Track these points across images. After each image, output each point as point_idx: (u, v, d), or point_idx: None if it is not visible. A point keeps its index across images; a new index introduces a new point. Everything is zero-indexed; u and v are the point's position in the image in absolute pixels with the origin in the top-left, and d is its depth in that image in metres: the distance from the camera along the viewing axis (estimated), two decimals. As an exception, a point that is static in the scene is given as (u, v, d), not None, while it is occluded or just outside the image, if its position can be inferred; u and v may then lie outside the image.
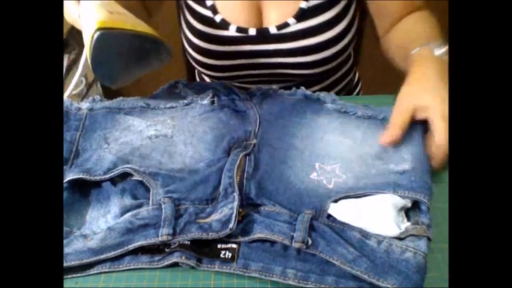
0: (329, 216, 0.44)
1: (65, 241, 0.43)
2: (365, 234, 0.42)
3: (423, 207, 0.44)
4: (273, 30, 0.66)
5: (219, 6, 0.67)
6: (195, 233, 0.42)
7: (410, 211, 0.45)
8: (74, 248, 0.42)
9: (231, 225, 0.42)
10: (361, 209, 0.44)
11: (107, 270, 0.42)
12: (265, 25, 0.68)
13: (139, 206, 0.46)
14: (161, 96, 0.62)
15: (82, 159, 0.51)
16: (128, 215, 0.44)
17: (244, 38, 0.67)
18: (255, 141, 0.54)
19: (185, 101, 0.60)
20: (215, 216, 0.43)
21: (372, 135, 0.54)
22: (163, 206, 0.44)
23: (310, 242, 0.41)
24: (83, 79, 1.50)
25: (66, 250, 0.42)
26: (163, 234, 0.42)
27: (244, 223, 0.43)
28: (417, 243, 0.41)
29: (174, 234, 0.42)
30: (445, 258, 0.42)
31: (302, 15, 0.65)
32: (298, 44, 0.66)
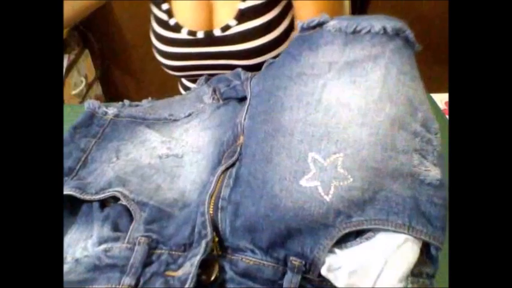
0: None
1: None
2: None
3: (433, 252, 0.34)
4: (217, 32, 0.70)
5: (174, 10, 0.72)
6: None
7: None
8: None
9: (186, 287, 0.34)
10: (361, 280, 0.33)
11: None
12: (213, 28, 0.71)
13: (117, 239, 0.41)
14: (187, 99, 0.59)
15: (87, 171, 0.48)
16: (99, 249, 0.40)
17: (193, 41, 0.71)
18: (241, 138, 0.44)
19: (200, 106, 0.56)
20: (181, 271, 0.37)
21: (400, 72, 0.39)
22: (136, 248, 0.39)
23: None
24: (83, 79, 1.50)
25: None
26: (124, 283, 0.37)
27: (220, 283, 0.36)
28: None
29: (136, 285, 0.37)
30: (445, 258, 0.42)
31: (241, 16, 0.68)
32: (240, 46, 0.69)
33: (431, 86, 0.70)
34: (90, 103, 0.57)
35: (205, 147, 0.49)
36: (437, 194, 0.35)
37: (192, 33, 0.70)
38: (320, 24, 0.44)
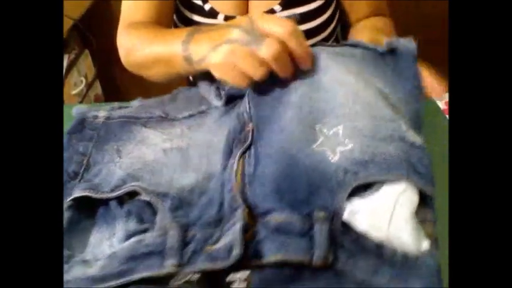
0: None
1: (65, 266, 0.40)
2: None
3: (429, 201, 0.41)
4: None
5: None
6: (203, 263, 0.37)
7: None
8: (73, 275, 0.39)
9: (234, 253, 0.36)
10: (378, 219, 0.39)
11: None
12: (249, 13, 0.69)
13: (145, 231, 0.42)
14: (180, 100, 0.59)
15: (92, 173, 0.48)
16: (132, 241, 0.41)
17: None
18: (251, 125, 0.48)
19: (202, 108, 0.56)
20: (222, 242, 0.39)
21: (380, 68, 0.49)
22: (169, 233, 0.40)
23: (331, 258, 0.36)
24: (83, 79, 1.50)
25: (65, 277, 0.39)
26: (168, 265, 0.37)
27: (255, 243, 0.38)
28: (431, 248, 0.38)
29: (180, 265, 0.37)
30: (445, 258, 0.42)
31: (287, 2, 0.67)
32: None
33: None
34: (78, 108, 0.56)
35: (216, 144, 0.50)
36: (424, 156, 0.43)
37: (229, 18, 0.68)
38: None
